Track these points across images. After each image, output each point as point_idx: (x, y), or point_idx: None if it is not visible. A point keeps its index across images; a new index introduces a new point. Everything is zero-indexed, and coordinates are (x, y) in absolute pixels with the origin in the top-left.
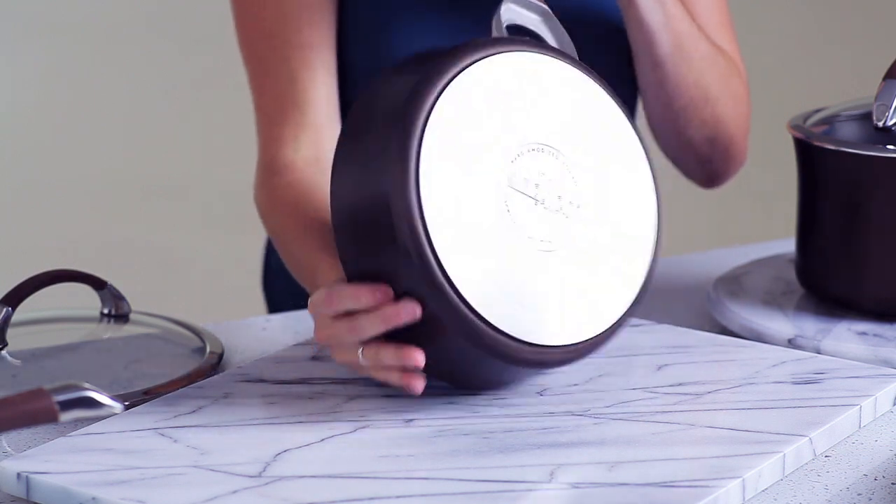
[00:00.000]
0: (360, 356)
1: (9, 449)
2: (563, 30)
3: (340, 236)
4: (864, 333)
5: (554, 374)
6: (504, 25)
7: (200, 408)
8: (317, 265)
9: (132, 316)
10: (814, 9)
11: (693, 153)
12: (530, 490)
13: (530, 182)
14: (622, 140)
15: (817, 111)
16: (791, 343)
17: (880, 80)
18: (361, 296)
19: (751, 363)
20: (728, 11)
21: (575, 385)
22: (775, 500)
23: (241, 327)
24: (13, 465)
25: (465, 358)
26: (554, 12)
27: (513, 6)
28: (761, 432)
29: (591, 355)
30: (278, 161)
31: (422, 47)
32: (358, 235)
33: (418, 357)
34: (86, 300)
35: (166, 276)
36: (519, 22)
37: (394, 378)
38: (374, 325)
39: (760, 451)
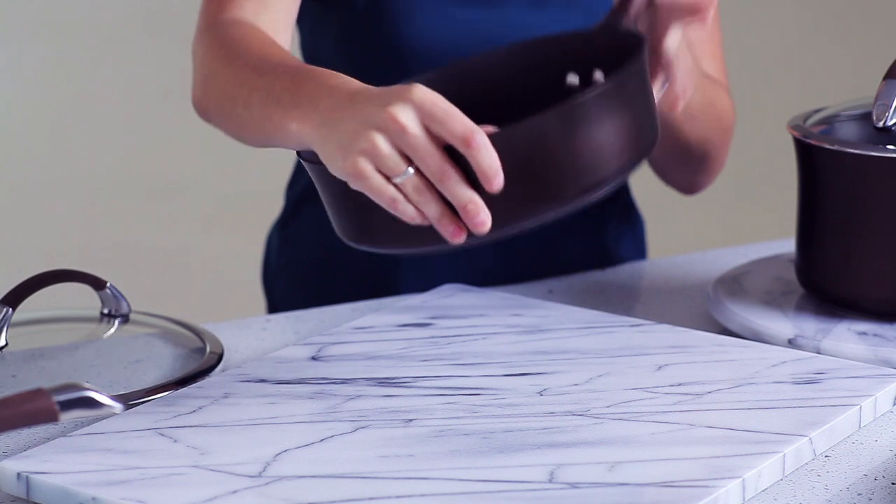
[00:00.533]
0: (406, 172)
1: (9, 449)
2: None
3: None
4: (864, 333)
5: (554, 374)
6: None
7: (200, 408)
8: (309, 67)
9: (132, 316)
10: (814, 9)
11: (674, 176)
12: (530, 490)
13: None
14: None
15: (817, 111)
16: (791, 343)
17: (880, 80)
18: (467, 133)
19: (751, 363)
20: (719, 31)
21: (575, 385)
22: (775, 500)
23: (241, 327)
24: (13, 465)
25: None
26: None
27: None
28: (761, 432)
29: None
30: (230, 20)
31: (428, 35)
32: None
33: (486, 221)
34: (86, 300)
35: (166, 276)
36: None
37: (433, 212)
38: (449, 180)
39: (760, 451)
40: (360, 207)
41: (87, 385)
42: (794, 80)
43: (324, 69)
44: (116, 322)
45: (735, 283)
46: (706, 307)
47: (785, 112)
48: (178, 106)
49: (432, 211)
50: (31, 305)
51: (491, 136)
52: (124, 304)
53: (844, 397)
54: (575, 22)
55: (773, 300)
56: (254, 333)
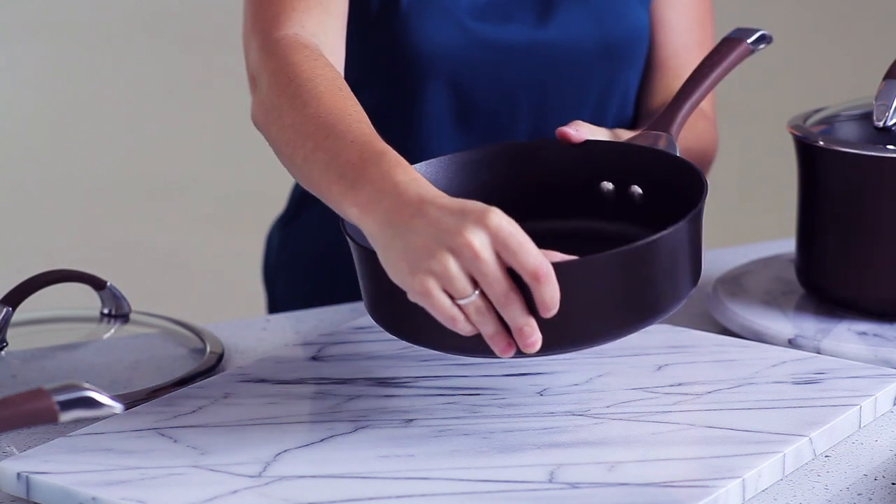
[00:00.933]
0: (472, 296)
1: (9, 449)
2: None
3: None
4: (864, 333)
5: (554, 373)
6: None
7: (200, 408)
8: (378, 145)
9: (132, 316)
10: (814, 9)
11: None
12: (530, 490)
13: None
14: None
15: (817, 111)
16: (791, 343)
17: (880, 80)
18: (538, 268)
19: (751, 363)
20: (710, 45)
21: (575, 385)
22: (775, 500)
23: (241, 327)
24: (13, 465)
25: None
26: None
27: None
28: (761, 432)
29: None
30: (292, 30)
31: (443, 36)
32: None
33: (537, 343)
34: (86, 300)
35: (166, 276)
36: None
37: (489, 330)
38: (511, 305)
39: (760, 451)
40: (405, 306)
41: (87, 385)
42: (794, 80)
43: (391, 152)
44: (116, 322)
45: (735, 283)
46: (706, 307)
47: (785, 112)
48: (178, 106)
49: (489, 329)
50: (31, 305)
51: (570, 263)
52: (124, 304)
53: (844, 397)
54: (581, 37)
55: (773, 300)
56: (254, 333)
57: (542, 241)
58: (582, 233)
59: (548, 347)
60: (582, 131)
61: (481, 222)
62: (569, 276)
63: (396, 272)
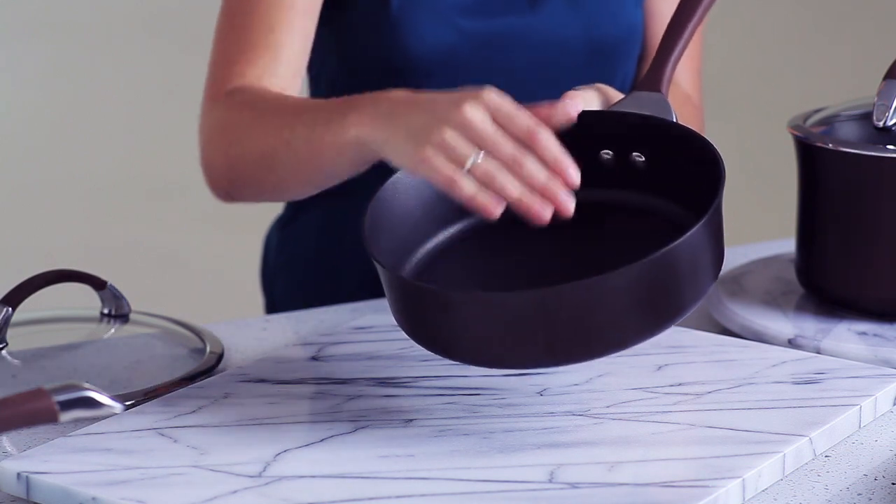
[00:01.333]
0: (475, 156)
1: (9, 449)
2: None
3: None
4: (864, 333)
5: (554, 373)
6: None
7: (200, 408)
8: (347, 100)
9: (132, 316)
10: (814, 9)
11: None
12: (530, 490)
13: None
14: None
15: (817, 111)
16: (791, 343)
17: (880, 80)
18: (531, 129)
19: (751, 363)
20: (700, 42)
21: (575, 385)
22: (775, 500)
23: (241, 327)
24: (13, 465)
25: None
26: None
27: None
28: (761, 432)
29: None
30: (243, 80)
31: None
32: None
33: (571, 200)
34: (86, 300)
35: (166, 276)
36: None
37: (513, 191)
38: (526, 163)
39: (760, 451)
40: (439, 319)
41: (87, 385)
42: (794, 80)
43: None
44: (116, 322)
45: (735, 283)
46: (706, 307)
47: (785, 112)
48: (178, 106)
49: (513, 190)
50: (31, 305)
51: (594, 280)
52: (124, 304)
53: (844, 397)
54: (574, 28)
55: (773, 300)
56: (254, 333)
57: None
58: (584, 203)
59: (575, 357)
60: (576, 101)
61: (476, 98)
62: (594, 290)
63: (401, 156)
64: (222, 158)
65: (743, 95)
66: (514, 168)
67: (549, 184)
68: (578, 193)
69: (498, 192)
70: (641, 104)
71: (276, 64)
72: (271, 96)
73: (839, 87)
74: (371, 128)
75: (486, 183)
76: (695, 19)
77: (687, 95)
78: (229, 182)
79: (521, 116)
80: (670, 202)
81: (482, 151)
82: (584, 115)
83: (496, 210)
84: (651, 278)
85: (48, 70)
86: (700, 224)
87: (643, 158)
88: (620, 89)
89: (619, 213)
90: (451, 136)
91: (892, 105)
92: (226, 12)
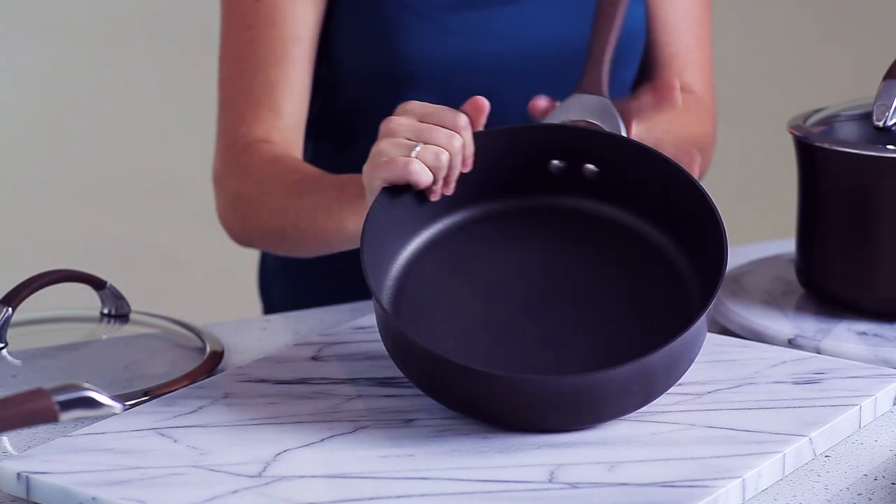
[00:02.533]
0: (417, 147)
1: (9, 449)
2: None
3: None
4: (864, 333)
5: None
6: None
7: (200, 408)
8: (345, 176)
9: (132, 316)
10: (813, 9)
11: None
12: (530, 490)
13: None
14: None
15: (817, 111)
16: (791, 343)
17: (880, 80)
18: (454, 117)
19: (751, 363)
20: (709, 42)
21: None
22: (775, 500)
23: (241, 327)
24: (13, 465)
25: None
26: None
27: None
28: (761, 432)
29: None
30: (250, 141)
31: (424, 52)
32: None
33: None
34: (86, 300)
35: (166, 276)
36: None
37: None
38: (450, 138)
39: (760, 451)
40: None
41: (87, 385)
42: (794, 80)
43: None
44: (116, 322)
45: (735, 283)
46: None
47: (785, 112)
48: (177, 106)
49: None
50: (31, 305)
51: (591, 377)
52: (124, 304)
53: (844, 397)
54: (570, 36)
55: (773, 300)
56: (254, 333)
57: (508, 218)
58: (541, 209)
59: (565, 428)
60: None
61: (398, 111)
62: (585, 385)
63: (370, 184)
64: (238, 225)
65: (743, 95)
66: (457, 129)
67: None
68: (536, 199)
69: (448, 169)
70: (584, 107)
71: (279, 121)
72: (277, 171)
73: (839, 87)
74: (360, 203)
75: (434, 162)
76: (619, 9)
77: (698, 98)
78: (247, 241)
79: (445, 110)
80: (621, 209)
81: (420, 142)
82: (539, 128)
83: (424, 177)
84: (641, 375)
85: (48, 70)
86: (697, 321)
87: (595, 169)
88: (619, 94)
89: (579, 218)
90: (386, 144)
91: (892, 105)
92: (227, 70)
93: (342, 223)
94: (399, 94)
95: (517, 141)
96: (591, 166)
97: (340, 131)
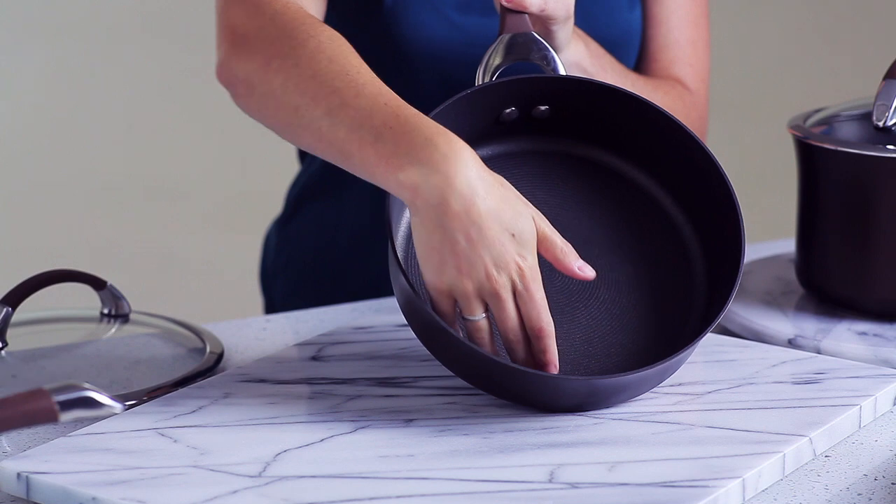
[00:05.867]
0: (479, 316)
1: (9, 449)
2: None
3: None
4: (864, 333)
5: None
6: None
7: (200, 408)
8: (410, 112)
9: (132, 316)
10: (814, 9)
11: None
12: (530, 490)
13: None
14: None
15: (817, 111)
16: (791, 343)
17: (880, 80)
18: (539, 326)
19: (751, 363)
20: (704, 44)
21: None
22: (775, 500)
23: (241, 327)
24: (13, 465)
25: None
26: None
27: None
28: (761, 432)
29: None
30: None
31: (428, 39)
32: None
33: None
34: (86, 300)
35: (166, 276)
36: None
37: (512, 337)
38: (517, 348)
39: (760, 451)
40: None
41: (87, 385)
42: (794, 80)
43: (422, 116)
44: (116, 322)
45: None
46: None
47: (785, 112)
48: (178, 106)
49: (487, 342)
50: (31, 305)
51: (602, 381)
52: (124, 304)
53: (844, 397)
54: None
55: (773, 300)
56: (254, 333)
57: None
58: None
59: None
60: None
61: (514, 270)
62: (597, 387)
63: (426, 258)
64: (244, 105)
65: (743, 95)
66: (510, 343)
67: (543, 355)
68: (505, 145)
69: (474, 341)
70: (516, 46)
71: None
72: (326, 38)
73: (839, 87)
74: (420, 207)
75: (471, 333)
76: None
77: (689, 93)
78: (242, 91)
79: (541, 312)
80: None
81: (483, 315)
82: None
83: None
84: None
85: (48, 70)
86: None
87: (546, 107)
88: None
89: (529, 156)
90: (470, 293)
91: (892, 105)
92: None
93: (390, 175)
94: (406, 88)
95: (506, 89)
96: (541, 107)
97: None
